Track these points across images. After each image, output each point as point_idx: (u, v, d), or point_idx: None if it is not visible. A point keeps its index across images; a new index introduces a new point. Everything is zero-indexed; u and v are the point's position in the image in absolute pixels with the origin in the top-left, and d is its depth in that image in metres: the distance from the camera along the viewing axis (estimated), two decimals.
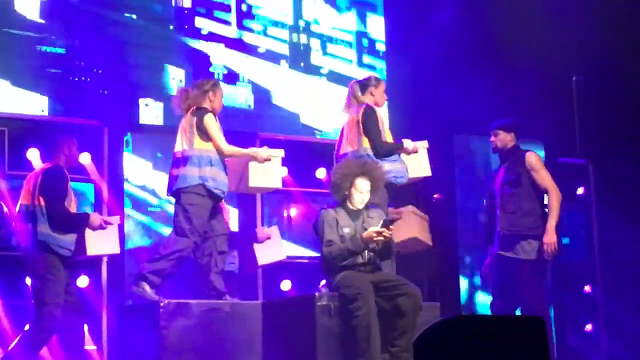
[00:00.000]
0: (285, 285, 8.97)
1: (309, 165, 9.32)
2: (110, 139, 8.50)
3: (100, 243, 7.06)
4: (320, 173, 9.27)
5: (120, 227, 7.52)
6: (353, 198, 6.58)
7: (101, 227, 7.01)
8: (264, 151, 6.94)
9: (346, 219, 6.54)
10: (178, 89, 7.15)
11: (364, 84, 7.36)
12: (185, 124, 6.79)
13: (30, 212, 6.95)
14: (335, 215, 6.55)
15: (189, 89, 6.98)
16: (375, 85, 7.35)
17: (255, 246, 7.62)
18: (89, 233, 6.98)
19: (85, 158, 8.16)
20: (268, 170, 6.93)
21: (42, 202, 6.90)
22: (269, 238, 7.64)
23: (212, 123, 6.73)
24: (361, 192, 6.56)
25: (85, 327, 7.42)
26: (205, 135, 6.70)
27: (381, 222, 6.39)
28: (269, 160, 6.90)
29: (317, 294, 6.47)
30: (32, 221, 6.92)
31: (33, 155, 8.04)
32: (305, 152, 9.32)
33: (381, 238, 6.34)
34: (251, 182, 6.91)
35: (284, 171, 8.29)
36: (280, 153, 7.00)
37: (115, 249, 7.24)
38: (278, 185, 7.20)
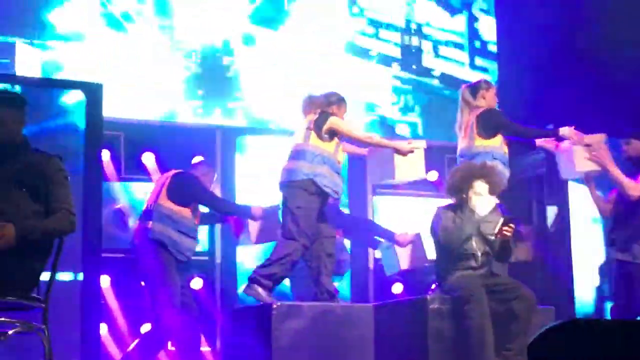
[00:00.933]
0: (397, 288, 8.93)
1: None
2: (223, 142, 8.61)
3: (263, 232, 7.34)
4: (432, 176, 9.20)
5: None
6: (471, 201, 6.52)
7: (261, 218, 7.24)
8: (407, 144, 6.96)
9: (463, 220, 6.48)
10: (305, 95, 7.24)
11: (474, 88, 7.34)
12: (306, 121, 6.83)
13: (151, 212, 7.09)
14: (453, 216, 6.50)
15: (314, 96, 7.03)
16: (486, 88, 7.32)
17: (398, 250, 7.60)
18: (251, 224, 7.26)
19: (197, 160, 8.28)
20: (412, 162, 6.97)
21: (167, 203, 7.04)
22: (411, 242, 7.61)
23: (340, 122, 6.77)
24: (480, 195, 6.50)
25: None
26: (323, 134, 6.71)
27: (500, 220, 6.31)
28: (412, 152, 6.92)
29: (429, 296, 6.44)
30: (150, 220, 7.05)
31: (148, 159, 8.21)
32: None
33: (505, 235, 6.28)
34: (397, 175, 6.96)
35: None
36: (422, 144, 7.04)
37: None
38: (423, 175, 7.24)
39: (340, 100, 7.02)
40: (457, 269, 6.40)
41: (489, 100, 7.29)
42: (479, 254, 6.41)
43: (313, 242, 6.78)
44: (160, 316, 6.97)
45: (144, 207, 7.26)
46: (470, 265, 6.41)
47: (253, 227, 7.30)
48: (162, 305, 6.95)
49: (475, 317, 6.13)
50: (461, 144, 7.26)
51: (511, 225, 6.32)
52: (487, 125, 7.11)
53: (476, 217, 6.49)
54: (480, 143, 7.11)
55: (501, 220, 6.32)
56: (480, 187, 6.49)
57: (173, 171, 7.31)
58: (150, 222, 7.03)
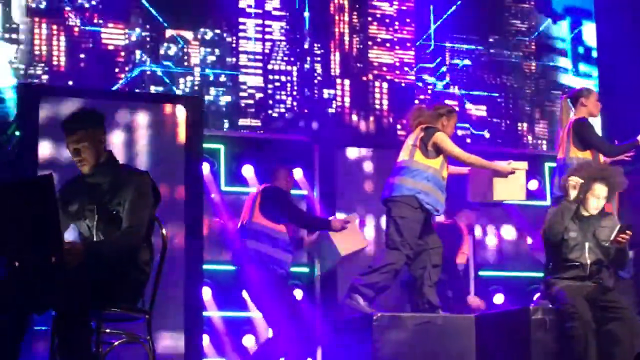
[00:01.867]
0: (498, 298, 8.82)
1: None
2: (321, 155, 8.64)
3: (348, 242, 7.32)
4: (533, 185, 9.07)
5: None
6: (588, 203, 6.36)
7: (343, 228, 7.20)
8: (507, 165, 6.85)
9: (575, 224, 6.33)
10: (414, 106, 7.18)
11: (574, 97, 7.30)
12: (412, 137, 6.80)
13: (245, 229, 7.18)
14: (564, 212, 6.32)
15: (424, 108, 7.02)
16: (586, 95, 7.23)
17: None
18: (334, 235, 7.25)
19: (297, 173, 8.32)
20: (512, 184, 6.86)
21: (261, 220, 7.12)
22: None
23: (445, 139, 6.70)
24: (598, 197, 6.33)
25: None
26: (428, 151, 6.66)
27: (617, 227, 6.14)
28: (513, 173, 6.82)
29: (531, 307, 6.33)
30: (248, 237, 7.12)
31: (248, 172, 8.29)
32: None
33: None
34: (495, 195, 6.88)
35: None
36: (524, 166, 6.91)
37: (364, 243, 7.57)
38: (522, 197, 7.09)
39: (449, 112, 6.97)
40: (564, 277, 6.24)
41: (590, 107, 7.18)
42: (589, 262, 6.22)
43: (420, 253, 6.74)
44: (275, 330, 7.07)
45: (239, 224, 7.33)
46: (578, 275, 6.25)
47: (337, 238, 7.28)
48: (275, 320, 7.05)
49: (577, 335, 5.94)
50: (559, 154, 7.18)
51: (628, 232, 6.12)
52: (577, 138, 7.04)
53: (590, 220, 6.33)
54: (575, 154, 7.02)
55: (618, 226, 6.14)
56: (599, 189, 6.31)
57: (261, 186, 7.38)
58: (247, 241, 7.11)
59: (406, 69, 9.89)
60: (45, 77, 8.66)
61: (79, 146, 4.71)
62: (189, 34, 9.19)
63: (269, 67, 9.38)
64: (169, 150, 7.12)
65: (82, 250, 4.47)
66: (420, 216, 6.67)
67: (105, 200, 4.70)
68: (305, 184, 8.47)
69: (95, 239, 4.69)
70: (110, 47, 8.84)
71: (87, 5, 8.87)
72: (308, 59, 9.54)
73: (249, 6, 9.41)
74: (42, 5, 8.78)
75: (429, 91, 9.88)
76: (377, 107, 9.66)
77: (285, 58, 9.46)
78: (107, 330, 4.70)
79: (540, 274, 7.10)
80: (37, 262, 4.45)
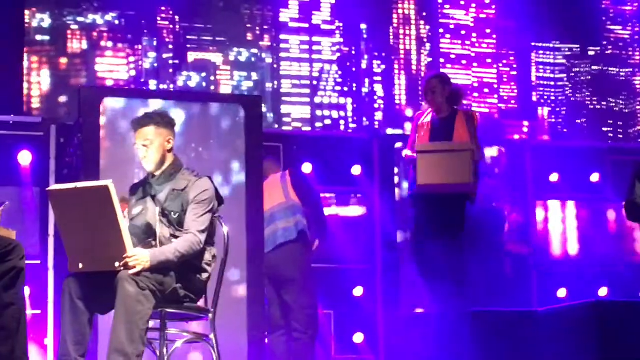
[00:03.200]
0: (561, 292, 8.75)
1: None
2: (381, 151, 8.63)
3: None
4: (595, 177, 8.98)
5: None
6: None
7: None
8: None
9: None
10: None
11: None
12: None
13: (274, 213, 7.23)
14: None
15: None
16: None
17: None
18: None
19: (356, 169, 8.33)
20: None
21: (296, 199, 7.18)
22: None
23: None
24: None
25: None
26: None
27: None
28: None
29: None
30: (285, 217, 7.17)
31: (307, 169, 8.31)
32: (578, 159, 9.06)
33: None
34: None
35: None
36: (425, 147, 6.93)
37: None
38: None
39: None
40: None
41: None
42: None
43: None
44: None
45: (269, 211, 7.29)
46: None
47: None
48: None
49: None
50: None
51: None
52: None
53: None
54: None
55: None
56: None
57: (282, 171, 7.39)
58: (289, 219, 7.11)
59: (486, 90, 9.50)
60: None
61: (146, 143, 4.80)
62: (217, 57, 8.41)
63: (317, 99, 8.69)
64: (228, 150, 7.16)
65: (146, 255, 4.54)
66: None
67: (168, 204, 4.77)
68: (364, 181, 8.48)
69: (157, 243, 4.75)
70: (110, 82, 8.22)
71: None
72: (367, 81, 8.94)
73: (293, 19, 8.52)
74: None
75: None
76: None
77: (338, 87, 8.67)
78: (172, 330, 4.75)
79: None
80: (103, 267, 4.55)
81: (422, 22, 8.72)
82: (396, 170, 8.58)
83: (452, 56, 8.72)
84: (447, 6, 8.76)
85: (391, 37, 8.57)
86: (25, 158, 7.58)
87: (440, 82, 7.12)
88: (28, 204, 7.61)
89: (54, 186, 4.79)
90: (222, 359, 4.85)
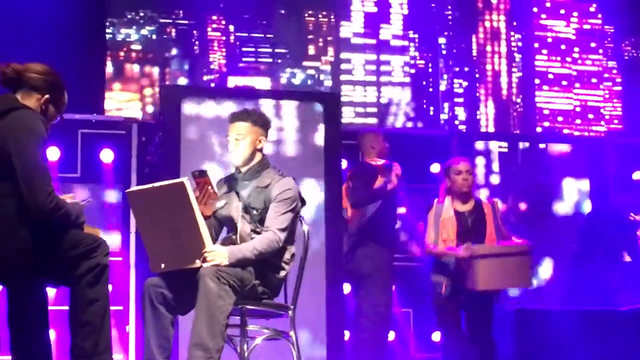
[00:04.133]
0: None
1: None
2: (459, 148, 8.57)
3: None
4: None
5: None
6: None
7: None
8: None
9: None
10: None
11: None
12: None
13: None
14: None
15: None
16: None
17: None
18: None
19: (435, 167, 8.29)
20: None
21: None
22: None
23: None
24: None
25: None
26: None
27: None
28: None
29: None
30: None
31: None
32: None
33: None
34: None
35: None
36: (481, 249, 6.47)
37: None
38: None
39: None
40: None
41: None
42: None
43: None
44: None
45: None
46: None
47: None
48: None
49: None
50: None
51: None
52: None
53: None
54: None
55: None
56: None
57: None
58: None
59: (591, 115, 8.95)
60: None
61: (239, 137, 4.86)
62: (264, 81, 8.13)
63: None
64: (308, 147, 7.17)
65: (224, 252, 4.58)
66: None
67: (251, 201, 4.81)
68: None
69: (238, 238, 4.79)
70: None
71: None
72: (446, 106, 8.55)
73: (357, 34, 7.90)
74: None
75: None
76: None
77: (411, 113, 8.18)
78: (251, 327, 4.77)
79: None
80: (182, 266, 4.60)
81: (512, 34, 8.25)
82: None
83: (550, 76, 8.22)
84: (543, 15, 8.30)
85: (474, 52, 8.20)
86: (107, 156, 7.69)
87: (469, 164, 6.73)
88: (110, 201, 7.72)
89: (132, 188, 4.85)
90: (302, 356, 4.86)
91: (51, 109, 4.03)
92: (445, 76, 7.01)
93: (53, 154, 7.45)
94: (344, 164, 7.85)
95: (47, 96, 4.01)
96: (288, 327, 4.86)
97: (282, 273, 4.86)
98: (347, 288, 7.24)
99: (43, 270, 3.84)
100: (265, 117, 5.01)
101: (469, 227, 6.45)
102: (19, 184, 3.76)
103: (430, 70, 7.38)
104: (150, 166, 7.58)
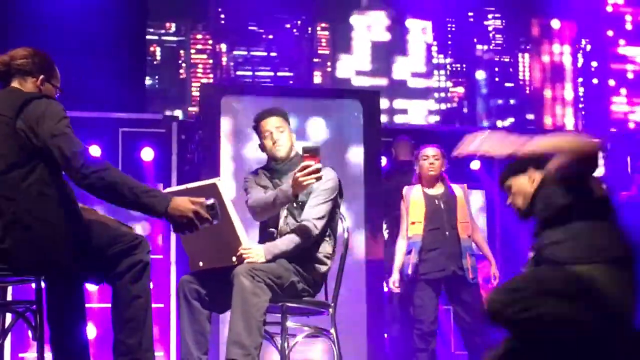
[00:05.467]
0: None
1: None
2: None
3: None
4: None
5: None
6: None
7: None
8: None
9: None
10: None
11: None
12: None
13: None
14: None
15: None
16: None
17: None
18: None
19: (476, 164, 8.25)
20: None
21: None
22: None
23: None
24: None
25: None
26: None
27: None
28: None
29: None
30: None
31: None
32: None
33: None
34: None
35: None
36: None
37: None
38: None
39: None
40: None
41: None
42: None
43: None
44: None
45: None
46: None
47: None
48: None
49: None
50: None
51: None
52: None
53: None
54: None
55: None
56: None
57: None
58: None
59: None
60: None
61: (281, 129, 4.87)
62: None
63: None
64: (346, 144, 7.17)
65: (260, 250, 4.58)
66: None
67: None
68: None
69: (278, 231, 4.78)
70: None
71: None
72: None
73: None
74: None
75: None
76: None
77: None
78: (292, 324, 4.77)
79: None
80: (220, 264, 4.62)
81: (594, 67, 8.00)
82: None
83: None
84: (621, 41, 7.78)
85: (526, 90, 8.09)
86: (147, 154, 7.74)
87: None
88: None
89: (166, 190, 4.86)
90: (342, 354, 4.84)
91: (48, 86, 4.04)
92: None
93: (94, 152, 7.50)
94: (383, 161, 7.84)
95: (41, 77, 4.02)
96: (329, 325, 4.85)
97: (323, 268, 4.83)
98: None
99: (83, 265, 3.85)
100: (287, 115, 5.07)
101: (439, 208, 6.50)
102: (55, 176, 3.78)
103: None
104: (191, 164, 7.60)
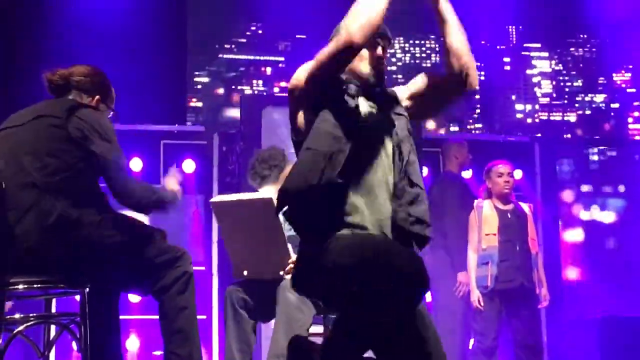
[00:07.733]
0: None
1: None
2: (541, 155, 8.47)
3: None
4: None
5: None
6: None
7: None
8: None
9: None
10: None
11: None
12: None
13: None
14: None
15: None
16: None
17: None
18: None
19: (518, 174, 8.20)
20: None
21: None
22: None
23: None
24: None
25: None
26: None
27: None
28: None
29: None
30: None
31: (466, 174, 8.22)
32: None
33: None
34: None
35: None
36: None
37: None
38: None
39: None
40: None
41: None
42: None
43: None
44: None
45: None
46: None
47: None
48: None
49: None
50: None
51: None
52: None
53: None
54: None
55: None
56: None
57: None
58: None
59: None
60: None
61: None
62: None
63: None
64: None
65: None
66: None
67: None
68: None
69: None
70: None
71: None
72: None
73: None
74: None
75: None
76: None
77: None
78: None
79: None
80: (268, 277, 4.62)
81: None
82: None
83: None
84: None
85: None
86: (189, 166, 7.76)
87: None
88: (192, 211, 7.77)
89: (216, 198, 4.87)
90: None
91: (103, 107, 4.06)
92: None
93: (136, 164, 7.55)
94: (425, 171, 7.80)
95: (97, 97, 4.04)
96: None
97: None
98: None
99: (125, 276, 3.87)
100: None
101: (512, 222, 6.53)
102: (95, 187, 3.81)
103: None
104: (232, 175, 7.61)
